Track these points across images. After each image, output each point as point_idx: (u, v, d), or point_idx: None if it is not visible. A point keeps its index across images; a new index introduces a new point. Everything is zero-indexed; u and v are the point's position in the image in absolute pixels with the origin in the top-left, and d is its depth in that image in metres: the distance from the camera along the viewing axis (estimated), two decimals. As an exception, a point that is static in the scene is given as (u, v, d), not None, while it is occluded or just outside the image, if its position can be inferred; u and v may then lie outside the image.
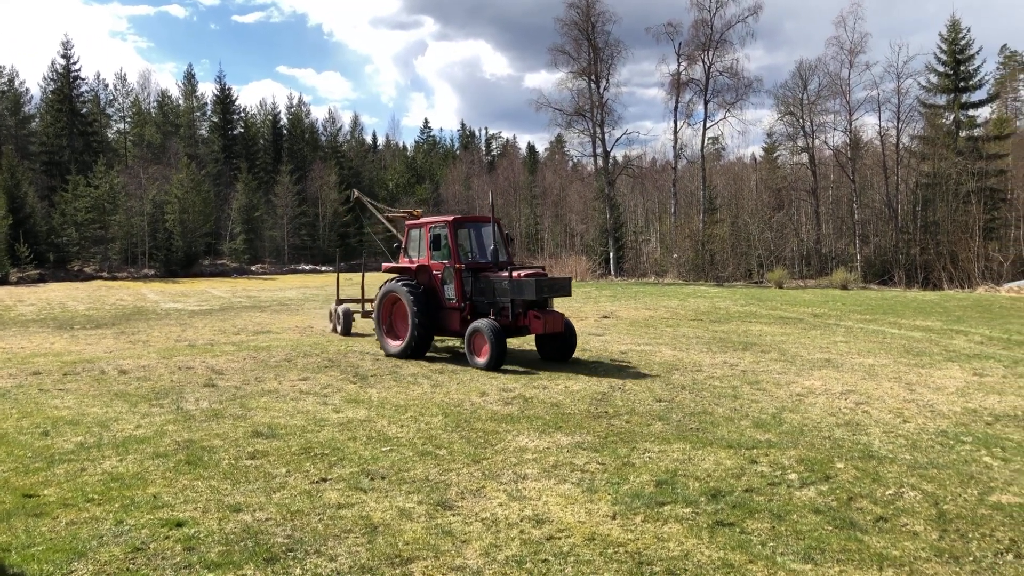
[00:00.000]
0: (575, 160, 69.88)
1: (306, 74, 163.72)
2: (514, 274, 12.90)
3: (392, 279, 14.27)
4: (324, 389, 10.86)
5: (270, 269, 61.14)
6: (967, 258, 38.49)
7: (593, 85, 53.34)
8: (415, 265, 14.09)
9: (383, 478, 6.58)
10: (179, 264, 54.82)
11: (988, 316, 21.39)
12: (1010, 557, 4.89)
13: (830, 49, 51.28)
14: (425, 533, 5.33)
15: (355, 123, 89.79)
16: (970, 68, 45.91)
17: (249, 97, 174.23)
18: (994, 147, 45.28)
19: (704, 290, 34.43)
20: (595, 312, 22.73)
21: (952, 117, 46.32)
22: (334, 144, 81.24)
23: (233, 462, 7.09)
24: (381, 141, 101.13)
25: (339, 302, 18.96)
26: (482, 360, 12.55)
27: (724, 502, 5.89)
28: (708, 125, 52.30)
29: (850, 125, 49.14)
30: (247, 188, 63.94)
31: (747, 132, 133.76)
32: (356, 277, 32.76)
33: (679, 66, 51.89)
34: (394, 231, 18.94)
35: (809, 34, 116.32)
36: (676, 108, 52.23)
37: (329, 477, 6.63)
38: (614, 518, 5.59)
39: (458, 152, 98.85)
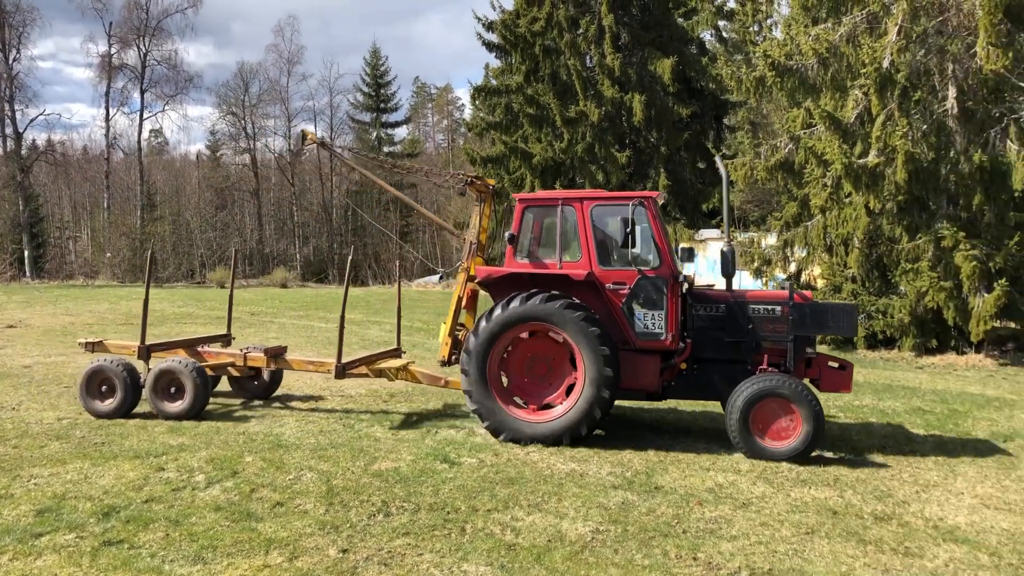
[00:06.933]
0: (-25, 139, 57.79)
1: None
2: (796, 295, 7.84)
3: (514, 297, 7.78)
4: None
5: None
6: (388, 258, 44.30)
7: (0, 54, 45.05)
8: (583, 274, 7.78)
9: None
10: None
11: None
12: (380, 517, 5.66)
13: (270, 56, 53.12)
14: None
15: None
16: (389, 92, 52.77)
17: None
18: (408, 163, 53.01)
19: (140, 291, 32.03)
20: (-4, 321, 19.20)
21: (375, 133, 52.60)
22: None
23: None
24: None
25: (148, 350, 9.35)
26: (783, 445, 7.23)
27: (117, 519, 5.48)
28: (146, 116, 49.18)
29: (289, 131, 51.73)
30: None
31: (190, 128, 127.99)
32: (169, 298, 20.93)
33: (110, 48, 47.49)
34: (410, 202, 13.32)
35: (256, 37, 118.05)
36: (108, 94, 47.74)
37: None
38: (-30, 565, 4.70)
39: None
